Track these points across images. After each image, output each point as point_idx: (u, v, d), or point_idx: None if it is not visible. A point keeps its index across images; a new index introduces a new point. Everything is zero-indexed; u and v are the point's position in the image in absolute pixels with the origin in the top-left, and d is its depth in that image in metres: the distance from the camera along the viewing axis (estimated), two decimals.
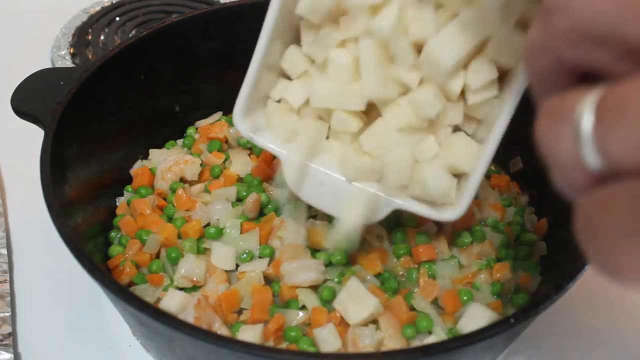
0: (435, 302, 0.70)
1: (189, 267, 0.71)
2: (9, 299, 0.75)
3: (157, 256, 0.74)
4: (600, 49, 0.32)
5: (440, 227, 0.76)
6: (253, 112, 0.67)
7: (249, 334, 0.65)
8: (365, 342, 0.65)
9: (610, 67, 0.33)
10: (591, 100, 0.32)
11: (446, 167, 0.61)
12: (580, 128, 0.32)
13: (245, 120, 0.67)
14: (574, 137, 0.32)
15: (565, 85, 0.35)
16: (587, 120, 0.32)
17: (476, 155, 0.60)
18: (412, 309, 0.69)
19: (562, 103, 0.34)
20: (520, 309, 0.59)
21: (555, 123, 0.34)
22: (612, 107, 0.31)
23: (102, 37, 1.16)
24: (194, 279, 0.70)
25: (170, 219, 0.78)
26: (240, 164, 0.83)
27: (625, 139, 0.30)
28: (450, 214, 0.62)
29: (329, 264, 0.72)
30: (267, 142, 0.67)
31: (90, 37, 1.16)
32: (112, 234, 0.78)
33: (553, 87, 0.36)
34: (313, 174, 0.65)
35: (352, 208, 0.64)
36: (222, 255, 0.72)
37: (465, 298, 0.70)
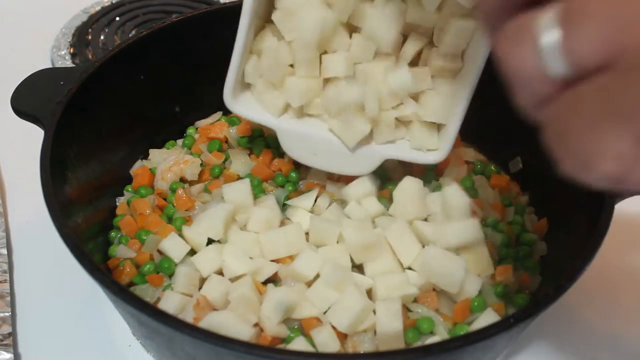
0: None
1: (181, 281, 0.69)
2: (9, 299, 0.75)
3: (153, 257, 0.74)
4: None
5: None
6: (242, 92, 0.74)
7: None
8: (365, 347, 0.65)
9: None
10: (550, 14, 0.35)
11: (425, 122, 0.72)
12: (543, 40, 0.35)
13: (236, 100, 0.73)
14: (537, 51, 0.35)
15: (514, 14, 0.38)
16: (549, 31, 0.35)
17: (451, 108, 0.70)
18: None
19: (520, 23, 0.37)
20: (520, 309, 0.59)
21: (516, 42, 0.36)
22: (574, 13, 0.34)
23: (102, 37, 1.16)
24: (188, 293, 0.69)
25: (170, 219, 0.78)
26: (240, 164, 0.83)
27: (591, 37, 0.33)
28: (433, 157, 0.73)
29: None
30: (260, 117, 0.74)
31: (90, 37, 1.16)
32: (112, 234, 0.78)
33: (504, 18, 0.39)
34: (308, 140, 0.74)
35: (360, 164, 0.74)
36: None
37: (475, 304, 0.69)
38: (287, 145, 0.75)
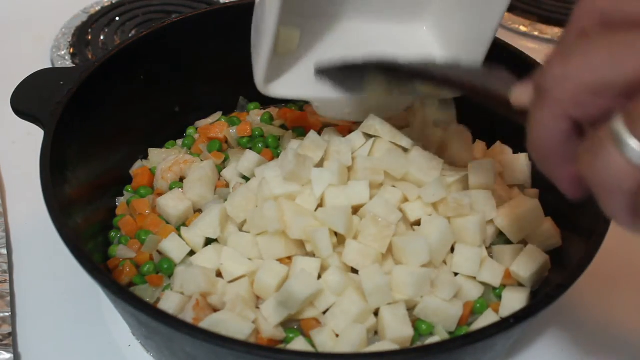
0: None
1: (181, 282, 0.69)
2: (9, 299, 0.75)
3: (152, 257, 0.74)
4: (603, 96, 0.39)
5: None
6: (272, 76, 0.72)
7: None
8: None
9: (617, 103, 0.39)
10: (618, 122, 0.39)
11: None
12: (622, 140, 0.38)
13: (267, 84, 0.71)
14: (619, 152, 0.39)
15: (574, 146, 0.42)
16: (627, 133, 0.38)
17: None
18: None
19: (592, 141, 0.40)
20: (520, 309, 0.59)
21: (596, 153, 0.40)
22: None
23: (102, 37, 1.16)
24: (188, 295, 0.69)
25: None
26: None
27: None
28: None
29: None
30: (295, 92, 0.75)
31: (90, 37, 1.16)
32: (112, 234, 0.78)
33: (567, 151, 0.43)
34: (342, 101, 0.76)
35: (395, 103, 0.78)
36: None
37: (478, 306, 0.70)
38: (322, 109, 0.77)
